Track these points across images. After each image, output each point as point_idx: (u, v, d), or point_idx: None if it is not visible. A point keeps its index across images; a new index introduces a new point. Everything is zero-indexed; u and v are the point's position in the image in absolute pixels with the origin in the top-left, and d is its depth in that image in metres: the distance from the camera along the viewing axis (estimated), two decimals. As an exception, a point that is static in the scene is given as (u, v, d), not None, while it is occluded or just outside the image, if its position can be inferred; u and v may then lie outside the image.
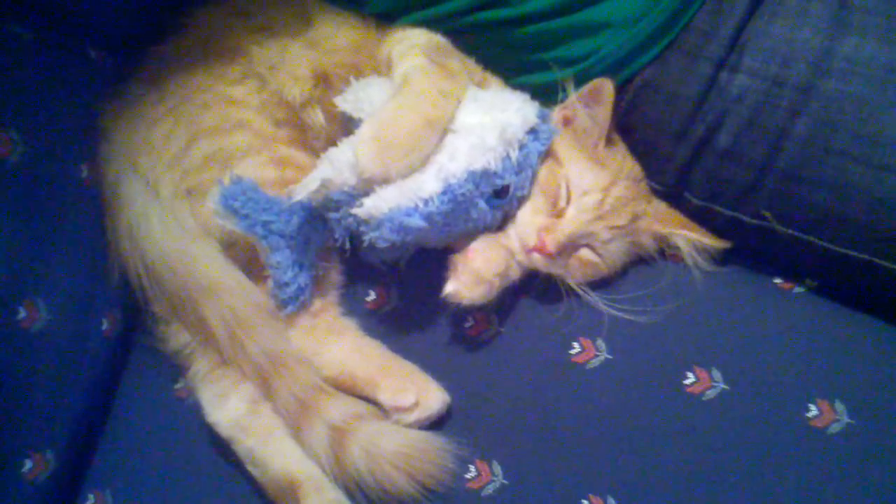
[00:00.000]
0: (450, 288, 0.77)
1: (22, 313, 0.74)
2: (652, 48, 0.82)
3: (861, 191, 0.76)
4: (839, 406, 0.74)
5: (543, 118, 0.82)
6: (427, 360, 0.81)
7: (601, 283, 0.83)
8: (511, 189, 0.79)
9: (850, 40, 0.76)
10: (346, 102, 0.81)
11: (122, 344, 0.90)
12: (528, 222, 0.81)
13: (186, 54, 0.88)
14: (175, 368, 0.84)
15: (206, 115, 0.85)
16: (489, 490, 0.76)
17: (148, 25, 0.89)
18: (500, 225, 0.83)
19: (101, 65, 0.90)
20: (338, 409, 0.77)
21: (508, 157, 0.77)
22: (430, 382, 0.79)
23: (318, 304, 0.84)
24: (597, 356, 0.80)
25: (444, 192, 0.73)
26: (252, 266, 0.83)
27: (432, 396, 0.78)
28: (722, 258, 0.84)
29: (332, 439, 0.76)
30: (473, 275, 0.77)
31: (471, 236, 0.81)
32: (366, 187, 0.73)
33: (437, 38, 0.84)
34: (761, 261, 0.87)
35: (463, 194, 0.74)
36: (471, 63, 0.85)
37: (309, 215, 0.79)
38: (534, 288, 0.84)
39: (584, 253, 0.82)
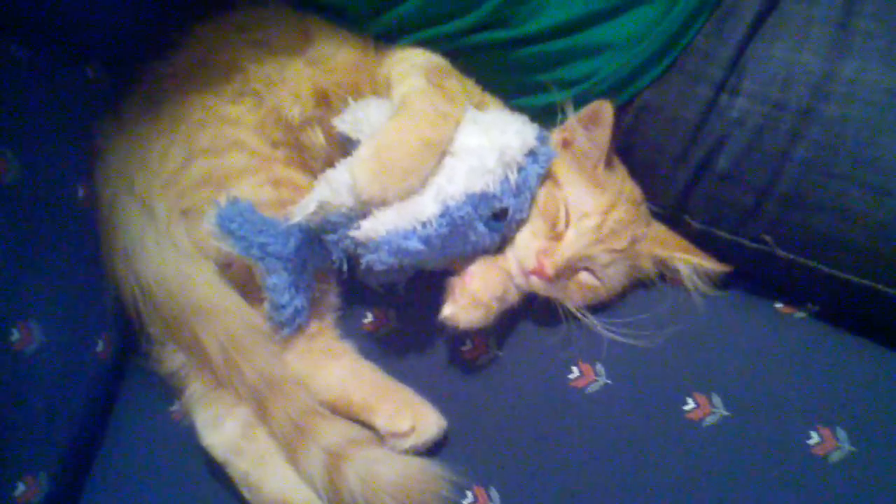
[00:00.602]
0: (447, 311, 0.77)
1: (16, 335, 0.73)
2: (652, 70, 0.82)
3: (862, 215, 0.76)
4: (841, 433, 0.73)
5: (542, 140, 0.81)
6: (424, 384, 0.81)
7: (600, 307, 0.83)
8: (510, 212, 0.79)
9: (852, 64, 0.76)
10: (344, 123, 0.80)
11: (118, 366, 0.89)
12: (527, 245, 0.80)
13: (184, 71, 0.87)
14: (170, 391, 0.83)
15: (202, 134, 0.84)
16: (486, 516, 0.75)
17: (146, 42, 0.88)
18: (499, 247, 0.82)
19: (98, 83, 0.90)
20: (334, 433, 0.77)
21: (507, 179, 0.77)
22: (427, 408, 0.78)
23: (314, 326, 0.83)
24: (596, 381, 0.79)
25: (442, 215, 0.73)
26: (249, 288, 0.82)
27: (429, 422, 0.77)
28: (723, 282, 0.84)
29: (328, 465, 0.75)
30: (471, 298, 0.77)
31: (469, 259, 0.80)
32: (363, 209, 0.73)
33: (437, 59, 0.84)
34: (762, 285, 0.86)
35: (461, 217, 0.74)
36: (470, 84, 0.85)
37: (306, 237, 0.79)
38: (532, 311, 0.83)
39: (584, 276, 0.81)
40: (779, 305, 0.85)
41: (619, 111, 0.82)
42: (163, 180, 0.82)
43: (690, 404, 0.77)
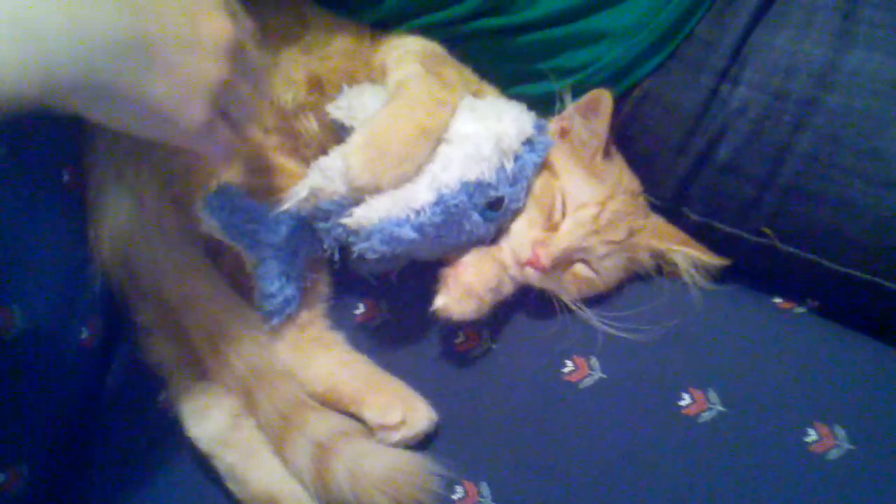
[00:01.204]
0: (440, 302, 0.75)
1: (-3, 319, 0.72)
2: (652, 59, 0.81)
3: (864, 208, 0.75)
4: (839, 431, 0.72)
5: (540, 129, 0.80)
6: (415, 376, 0.79)
7: (596, 300, 0.81)
8: (505, 201, 0.77)
9: (856, 54, 0.75)
10: (338, 110, 0.79)
11: (104, 354, 0.87)
12: (522, 235, 0.79)
13: None
14: (158, 380, 0.82)
15: None
16: (477, 512, 0.74)
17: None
18: (494, 238, 0.81)
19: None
20: (322, 425, 0.75)
21: (503, 167, 0.76)
22: (418, 400, 0.77)
23: (305, 316, 0.81)
24: (590, 375, 0.78)
25: (436, 203, 0.72)
26: (239, 276, 0.81)
27: (419, 415, 0.76)
28: (721, 276, 0.83)
29: (316, 457, 0.74)
30: (464, 289, 0.76)
31: (464, 249, 0.79)
32: (356, 197, 0.72)
33: (433, 46, 0.82)
34: (761, 279, 0.85)
35: (456, 205, 0.72)
36: (467, 72, 0.84)
37: (297, 225, 0.77)
38: (527, 303, 0.81)
39: (580, 268, 0.80)
40: (778, 300, 0.84)
41: (619, 100, 0.81)
42: (152, 167, 0.81)
43: (686, 400, 0.76)
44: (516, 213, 0.80)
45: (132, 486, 0.80)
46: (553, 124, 0.83)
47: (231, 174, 0.80)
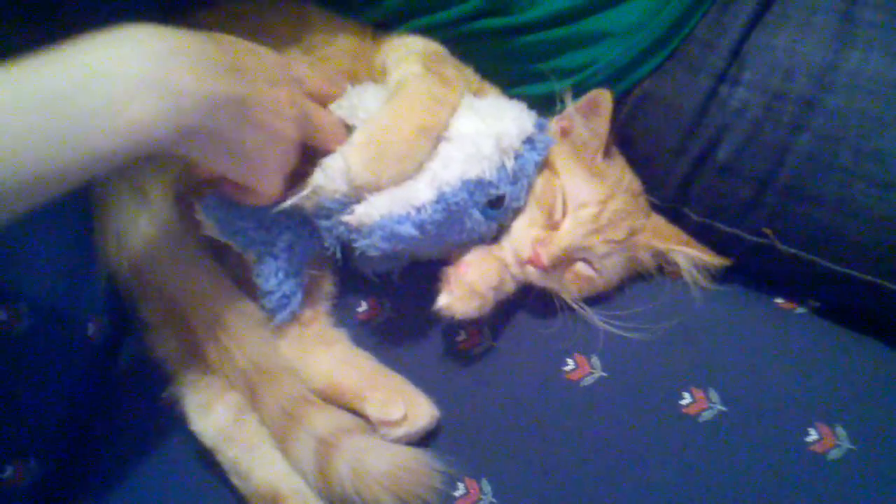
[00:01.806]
0: (442, 301, 0.76)
1: (3, 315, 0.73)
2: (652, 59, 0.81)
3: (864, 209, 0.74)
4: (840, 431, 0.72)
5: (540, 128, 0.80)
6: (417, 373, 0.80)
7: (597, 299, 0.82)
8: (506, 199, 0.78)
9: (855, 54, 0.75)
10: (340, 109, 0.80)
11: (109, 350, 0.88)
12: (523, 234, 0.79)
13: None
14: (162, 376, 0.82)
15: None
16: (477, 509, 0.74)
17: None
18: (495, 237, 0.82)
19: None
20: (325, 421, 0.76)
21: (504, 166, 0.76)
22: (420, 397, 0.77)
23: (308, 313, 0.82)
24: (591, 373, 0.78)
25: (437, 201, 0.72)
26: (244, 275, 0.81)
27: (421, 412, 0.76)
28: (722, 276, 0.82)
29: (319, 453, 0.74)
30: (467, 288, 0.76)
31: (465, 248, 0.79)
32: (357, 195, 0.72)
33: (434, 46, 0.83)
34: (762, 280, 0.85)
35: (456, 203, 0.73)
36: (467, 71, 0.84)
37: (295, 224, 0.78)
38: (528, 302, 0.82)
39: (580, 267, 0.80)
40: (779, 300, 0.84)
41: (618, 101, 0.81)
42: (156, 164, 0.82)
43: (687, 399, 0.76)
44: (517, 211, 0.80)
45: (137, 479, 0.81)
46: (554, 124, 0.83)
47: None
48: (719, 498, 0.71)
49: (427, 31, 0.84)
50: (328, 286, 0.85)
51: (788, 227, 0.79)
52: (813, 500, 0.70)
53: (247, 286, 0.82)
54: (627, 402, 0.77)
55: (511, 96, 0.85)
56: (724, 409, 0.75)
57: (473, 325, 0.81)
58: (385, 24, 0.86)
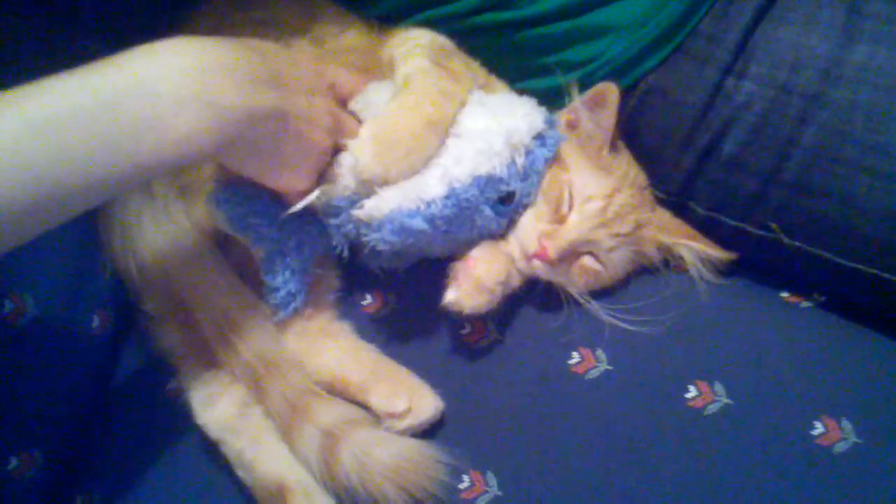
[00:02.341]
0: (451, 296, 0.75)
1: (8, 306, 0.73)
2: (657, 53, 0.81)
3: (870, 202, 0.74)
4: (846, 424, 0.72)
5: (550, 124, 0.80)
6: (423, 366, 0.80)
7: (603, 293, 0.82)
8: (516, 196, 0.78)
9: (861, 48, 0.75)
10: (356, 104, 0.79)
11: (114, 342, 0.88)
12: (530, 228, 0.79)
13: None
14: (167, 368, 0.83)
15: None
16: (483, 501, 0.74)
17: (149, 20, 0.88)
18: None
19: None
20: (330, 413, 0.76)
21: (514, 162, 0.76)
22: (424, 388, 0.77)
23: (312, 307, 0.82)
24: (596, 367, 0.78)
25: (447, 196, 0.72)
26: (248, 267, 0.82)
27: (425, 403, 0.76)
28: (727, 270, 0.82)
29: (324, 445, 0.74)
30: (475, 283, 0.76)
31: (473, 243, 0.79)
32: (366, 189, 0.72)
33: (441, 40, 0.83)
34: (768, 273, 0.85)
35: (467, 199, 0.73)
36: (475, 65, 0.84)
37: (305, 223, 0.78)
38: (534, 296, 0.82)
39: (586, 261, 0.80)
40: (784, 294, 0.84)
41: (624, 95, 0.81)
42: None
43: (692, 392, 0.76)
44: (527, 207, 0.80)
45: (142, 471, 0.81)
46: (560, 118, 0.83)
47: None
48: (724, 491, 0.71)
49: (432, 25, 0.84)
50: (332, 280, 0.85)
51: (794, 221, 0.79)
52: (818, 494, 0.70)
53: (251, 279, 0.82)
54: (633, 395, 0.77)
55: (517, 90, 0.85)
56: (729, 402, 0.75)
57: (479, 319, 0.81)
58: (391, 18, 0.86)
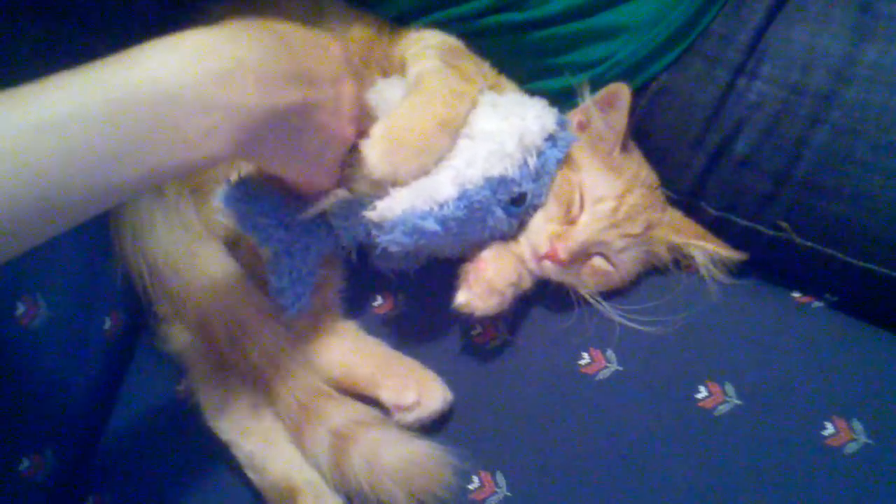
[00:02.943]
0: (462, 298, 0.75)
1: (21, 308, 0.73)
2: (669, 53, 0.81)
3: (882, 202, 0.74)
4: (857, 425, 0.71)
5: (562, 125, 0.80)
6: (433, 367, 0.79)
7: (613, 293, 0.82)
8: (528, 197, 0.78)
9: (873, 47, 0.75)
10: (372, 97, 0.79)
11: (125, 344, 0.89)
12: (540, 229, 0.79)
13: None
14: (177, 369, 0.83)
15: None
16: (492, 502, 0.74)
17: (159, 21, 0.87)
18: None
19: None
20: (340, 414, 0.76)
21: (526, 163, 0.76)
22: (433, 380, 0.77)
23: (318, 306, 0.82)
24: (606, 367, 0.78)
25: (459, 198, 0.72)
26: (257, 267, 0.82)
27: (434, 395, 0.76)
28: (738, 270, 0.82)
29: (334, 445, 0.74)
30: (486, 285, 0.76)
31: (484, 244, 0.79)
32: (376, 190, 0.72)
33: (451, 40, 0.83)
34: (779, 274, 0.85)
35: (479, 201, 0.73)
36: (485, 66, 0.84)
37: (314, 225, 0.78)
38: (544, 296, 0.82)
39: (597, 261, 0.80)
40: (796, 294, 0.83)
41: (635, 95, 0.81)
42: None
43: (703, 392, 0.75)
44: (538, 208, 0.80)
45: (152, 472, 0.81)
46: (571, 118, 0.83)
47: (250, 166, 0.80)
48: (734, 492, 0.71)
49: (443, 26, 0.84)
50: (338, 278, 0.85)
51: (806, 221, 0.79)
52: (829, 495, 0.69)
53: (257, 277, 0.82)
54: (643, 396, 0.76)
55: (528, 91, 0.85)
56: (739, 402, 0.74)
57: (489, 320, 0.81)
58: (402, 20, 0.86)
